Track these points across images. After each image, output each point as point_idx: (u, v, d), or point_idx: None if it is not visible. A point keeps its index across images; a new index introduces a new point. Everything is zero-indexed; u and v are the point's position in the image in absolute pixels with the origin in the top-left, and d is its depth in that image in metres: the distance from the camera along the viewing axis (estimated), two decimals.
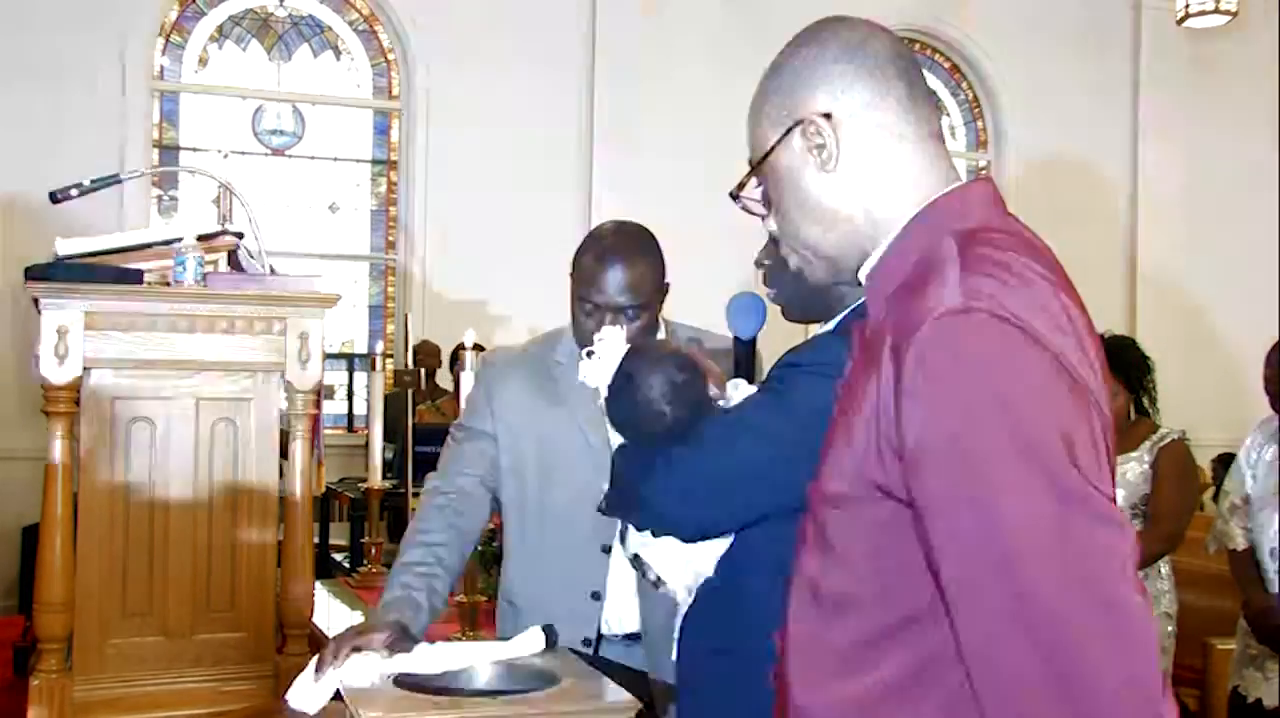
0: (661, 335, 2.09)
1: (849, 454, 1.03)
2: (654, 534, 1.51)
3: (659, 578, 1.55)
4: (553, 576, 2.04)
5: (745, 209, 1.24)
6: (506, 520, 2.14)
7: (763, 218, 1.21)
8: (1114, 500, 0.94)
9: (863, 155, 1.10)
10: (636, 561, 1.59)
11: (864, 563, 1.03)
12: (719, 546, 1.49)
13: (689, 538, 1.49)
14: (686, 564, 1.51)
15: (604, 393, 1.51)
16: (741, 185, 1.21)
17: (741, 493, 1.41)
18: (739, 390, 1.50)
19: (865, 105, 1.10)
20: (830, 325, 1.54)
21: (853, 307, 1.52)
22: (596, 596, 2.02)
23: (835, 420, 1.11)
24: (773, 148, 1.14)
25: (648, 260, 1.99)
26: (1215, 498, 3.86)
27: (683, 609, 1.55)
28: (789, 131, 1.12)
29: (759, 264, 1.62)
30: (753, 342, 1.69)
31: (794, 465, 1.34)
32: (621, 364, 1.48)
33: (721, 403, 1.49)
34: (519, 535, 2.11)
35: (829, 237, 1.13)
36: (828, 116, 1.10)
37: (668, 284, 2.04)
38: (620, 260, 1.96)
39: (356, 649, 1.72)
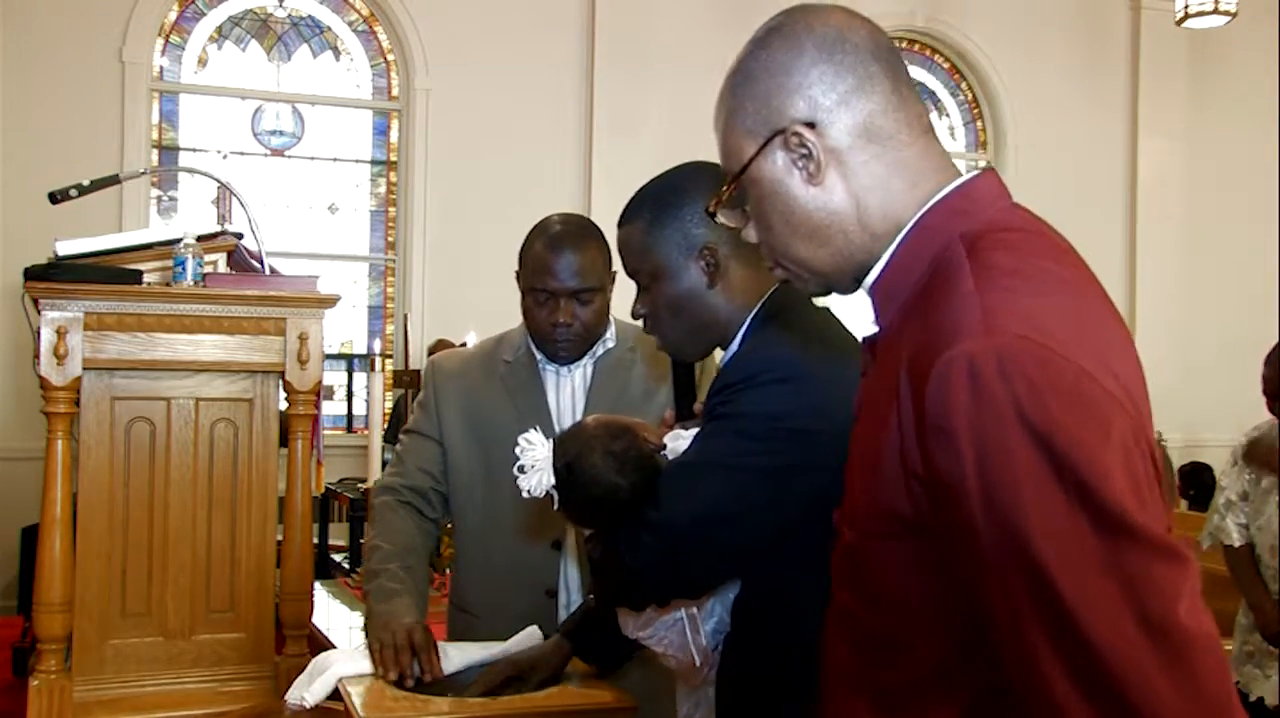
0: (611, 332, 2.08)
1: (879, 486, 0.96)
2: (658, 606, 1.46)
3: (667, 653, 1.49)
4: (506, 577, 2.02)
5: (722, 223, 1.13)
6: (457, 526, 2.12)
7: (740, 230, 1.11)
8: (1167, 526, 0.86)
9: (852, 163, 1.01)
10: (637, 644, 1.54)
11: (905, 601, 0.96)
12: (725, 595, 1.44)
13: (696, 595, 1.43)
14: (697, 629, 1.45)
15: (554, 496, 1.43)
16: (719, 200, 1.10)
17: (731, 529, 1.36)
18: (679, 440, 1.44)
19: (849, 109, 1.00)
20: (734, 346, 1.48)
21: (746, 323, 1.47)
22: (551, 593, 2.00)
23: (856, 444, 1.04)
24: (751, 160, 1.04)
25: (597, 245, 2.00)
26: None
27: (708, 671, 1.49)
28: (768, 142, 1.03)
29: (635, 315, 1.55)
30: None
31: (770, 482, 1.32)
32: (555, 460, 1.42)
33: (665, 453, 1.43)
34: (469, 539, 2.10)
35: (820, 253, 1.04)
36: (810, 125, 1.01)
37: (615, 272, 2.04)
38: (570, 246, 1.96)
39: (415, 659, 1.70)
